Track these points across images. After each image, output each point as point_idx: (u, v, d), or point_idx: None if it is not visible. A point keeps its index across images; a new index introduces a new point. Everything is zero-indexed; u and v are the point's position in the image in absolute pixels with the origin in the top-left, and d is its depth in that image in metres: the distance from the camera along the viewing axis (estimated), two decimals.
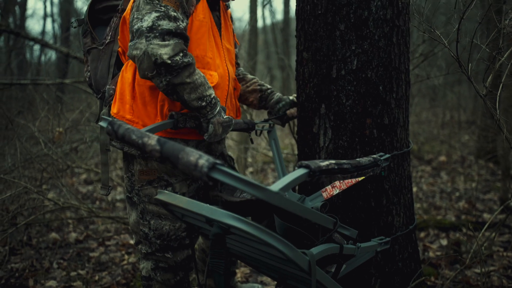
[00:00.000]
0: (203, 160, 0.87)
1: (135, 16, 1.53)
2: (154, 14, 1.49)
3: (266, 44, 15.08)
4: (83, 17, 1.91)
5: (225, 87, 1.81)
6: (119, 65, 1.83)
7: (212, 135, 1.67)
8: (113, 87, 1.75)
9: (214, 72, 1.74)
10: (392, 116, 1.92)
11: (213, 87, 1.73)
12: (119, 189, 5.13)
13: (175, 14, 1.53)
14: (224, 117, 1.68)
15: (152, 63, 1.45)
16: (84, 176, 5.97)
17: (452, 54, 1.80)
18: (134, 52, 1.48)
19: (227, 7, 1.97)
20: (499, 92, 1.90)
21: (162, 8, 1.51)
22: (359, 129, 1.89)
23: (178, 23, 1.52)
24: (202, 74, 1.59)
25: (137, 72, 1.66)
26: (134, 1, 1.62)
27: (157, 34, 1.46)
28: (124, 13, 1.69)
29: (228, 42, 1.90)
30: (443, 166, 6.40)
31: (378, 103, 1.88)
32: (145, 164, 1.74)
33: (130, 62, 1.70)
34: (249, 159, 6.47)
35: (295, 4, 2.06)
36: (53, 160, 3.71)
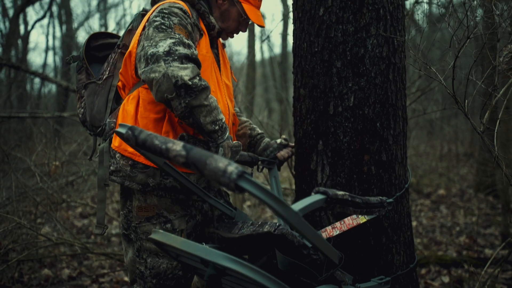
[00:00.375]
0: (232, 167, 0.84)
1: (145, 44, 1.54)
2: (169, 41, 1.51)
3: (264, 78, 15.28)
4: (79, 53, 1.93)
5: (226, 122, 1.80)
6: (117, 99, 1.83)
7: None
8: (114, 120, 1.74)
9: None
10: (390, 152, 1.91)
11: None
12: (115, 223, 5.05)
13: (188, 41, 1.56)
14: (234, 142, 1.68)
15: (173, 84, 1.45)
16: (79, 210, 5.90)
17: (449, 91, 1.80)
18: (152, 75, 1.48)
19: (224, 45, 2.01)
20: (496, 128, 1.89)
21: (176, 35, 1.54)
22: (357, 166, 1.87)
23: (192, 50, 1.55)
24: (215, 98, 1.61)
25: (139, 105, 1.66)
26: (141, 34, 1.64)
27: (176, 57, 1.48)
28: (130, 47, 1.69)
29: (227, 78, 1.93)
30: (442, 199, 6.35)
31: (376, 139, 1.87)
32: (144, 200, 1.71)
33: (132, 95, 1.70)
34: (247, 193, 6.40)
35: (292, 41, 2.08)
36: (48, 194, 3.66)
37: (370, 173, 1.88)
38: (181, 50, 1.50)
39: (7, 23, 13.38)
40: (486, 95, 2.16)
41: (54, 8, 16.17)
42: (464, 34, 1.61)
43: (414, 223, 4.94)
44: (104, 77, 1.83)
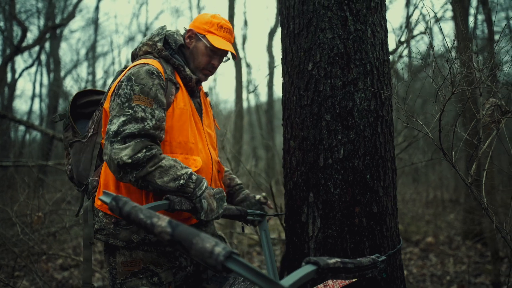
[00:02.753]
0: (220, 248, 0.81)
1: (111, 115, 1.61)
2: (121, 119, 1.56)
3: (251, 125, 15.43)
4: (64, 111, 1.94)
5: (209, 171, 1.81)
6: (102, 157, 1.79)
7: (208, 211, 1.61)
8: (96, 178, 1.74)
9: (197, 157, 1.76)
10: (381, 204, 1.91)
11: (197, 171, 1.72)
12: (97, 275, 4.86)
13: (142, 114, 1.58)
14: (214, 189, 1.66)
15: (116, 166, 1.52)
16: (60, 261, 5.68)
17: (436, 144, 1.84)
18: (104, 157, 1.57)
19: (207, 94, 2.05)
20: (483, 180, 1.92)
21: (130, 111, 1.58)
22: (348, 218, 1.86)
23: (145, 123, 1.57)
24: (171, 158, 1.61)
25: None
26: (112, 94, 1.67)
27: (119, 138, 1.54)
28: (104, 105, 1.72)
29: (209, 127, 1.94)
30: (431, 247, 6.30)
31: (366, 191, 1.87)
32: (129, 255, 1.67)
33: None
34: (235, 241, 6.29)
35: (282, 94, 2.12)
36: (28, 246, 3.53)
37: (362, 225, 1.86)
38: (128, 129, 1.54)
39: None
40: (470, 145, 2.21)
41: (43, 57, 16.34)
42: (447, 88, 1.66)
43: (404, 273, 4.87)
44: (89, 134, 1.84)
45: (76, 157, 1.84)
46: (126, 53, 24.10)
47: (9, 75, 13.94)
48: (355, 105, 1.89)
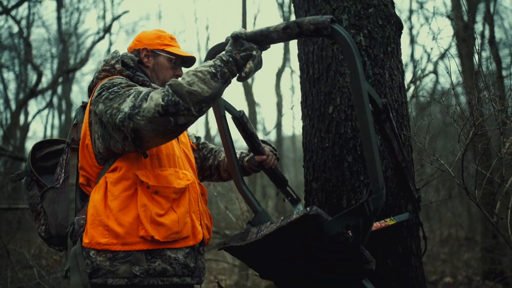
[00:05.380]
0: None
1: (107, 117, 1.47)
2: (129, 99, 1.45)
3: None
4: (24, 169, 1.80)
5: (194, 190, 1.73)
6: (84, 198, 1.67)
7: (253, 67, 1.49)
8: (83, 216, 1.57)
9: (186, 171, 1.70)
10: (405, 244, 1.90)
11: (189, 185, 1.67)
12: None
13: (144, 88, 1.51)
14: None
15: (160, 117, 1.37)
16: None
17: (459, 183, 1.85)
18: (138, 123, 1.39)
19: None
20: (509, 219, 1.92)
21: (131, 90, 1.49)
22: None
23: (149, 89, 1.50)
24: (185, 78, 1.44)
25: (107, 189, 1.54)
26: (89, 123, 1.60)
27: (138, 104, 1.41)
28: (86, 141, 1.60)
29: (186, 148, 1.87)
30: None
31: (390, 232, 1.87)
32: None
33: (98, 184, 1.58)
34: (249, 284, 6.18)
35: (302, 136, 2.17)
36: None
37: (387, 266, 1.85)
38: (142, 96, 1.43)
39: (8, 114, 13.74)
40: (490, 183, 2.21)
41: (55, 99, 16.73)
42: (460, 122, 1.70)
43: None
44: (61, 180, 1.69)
45: (51, 208, 1.68)
46: None
47: (22, 117, 14.24)
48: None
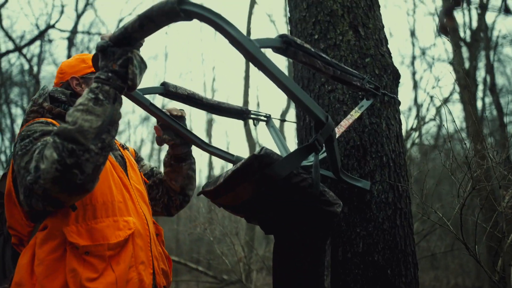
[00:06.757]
0: None
1: (20, 178, 1.32)
2: (35, 154, 1.27)
3: None
4: None
5: (146, 233, 1.53)
6: (14, 259, 1.48)
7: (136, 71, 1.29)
8: (5, 286, 1.43)
9: (130, 217, 1.48)
10: None
11: (132, 234, 1.45)
12: None
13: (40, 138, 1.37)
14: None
15: (56, 181, 1.20)
16: None
17: (458, 237, 1.79)
18: (43, 187, 1.22)
19: (123, 146, 1.80)
20: (511, 276, 1.84)
21: (38, 143, 1.32)
22: None
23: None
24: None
25: (35, 252, 1.34)
26: (12, 171, 1.43)
27: (45, 157, 1.22)
28: (12, 192, 1.43)
29: (138, 183, 1.68)
30: None
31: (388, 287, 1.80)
32: None
33: (30, 243, 1.38)
34: None
35: None
36: None
37: None
38: (41, 154, 1.24)
39: None
40: (491, 237, 2.14)
41: None
42: (468, 184, 1.66)
43: None
44: None
45: None
46: (141, 131, 24.82)
47: None
48: (372, 197, 1.88)
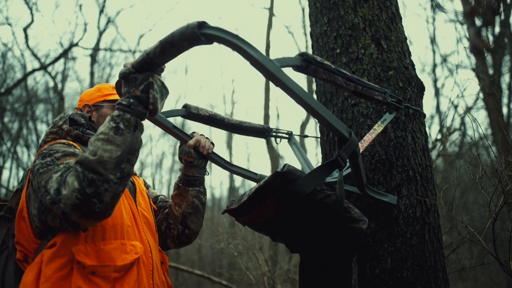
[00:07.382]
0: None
1: (39, 194, 1.35)
2: (55, 176, 1.31)
3: None
4: None
5: (149, 261, 1.54)
6: (17, 274, 1.48)
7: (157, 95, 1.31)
8: None
9: (137, 242, 1.51)
10: None
11: (136, 260, 1.47)
12: None
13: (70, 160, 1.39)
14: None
15: (78, 202, 1.23)
16: None
17: (491, 253, 1.74)
18: (63, 211, 1.25)
19: (134, 173, 1.82)
20: None
21: (61, 166, 1.35)
22: None
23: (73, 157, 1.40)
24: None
25: (41, 269, 1.35)
26: (27, 187, 1.46)
27: (66, 187, 1.26)
28: (23, 208, 1.46)
29: (146, 209, 1.70)
30: None
31: None
32: None
33: (34, 262, 1.39)
34: None
35: None
36: None
37: None
38: (63, 178, 1.28)
39: None
40: None
41: None
42: (501, 198, 1.61)
43: None
44: None
45: None
46: (162, 144, 25.07)
47: None
48: (400, 212, 1.84)
